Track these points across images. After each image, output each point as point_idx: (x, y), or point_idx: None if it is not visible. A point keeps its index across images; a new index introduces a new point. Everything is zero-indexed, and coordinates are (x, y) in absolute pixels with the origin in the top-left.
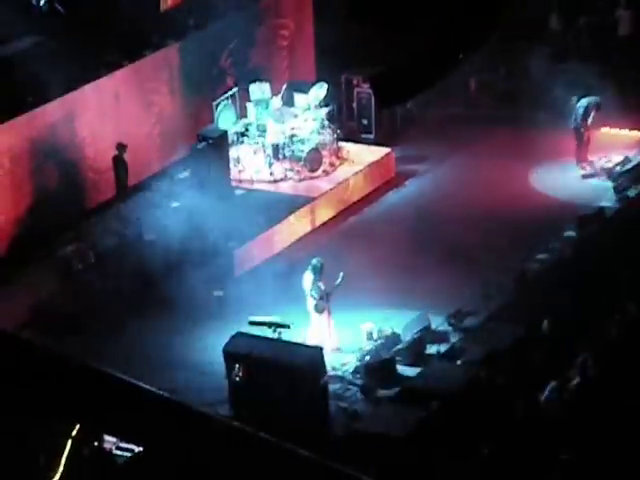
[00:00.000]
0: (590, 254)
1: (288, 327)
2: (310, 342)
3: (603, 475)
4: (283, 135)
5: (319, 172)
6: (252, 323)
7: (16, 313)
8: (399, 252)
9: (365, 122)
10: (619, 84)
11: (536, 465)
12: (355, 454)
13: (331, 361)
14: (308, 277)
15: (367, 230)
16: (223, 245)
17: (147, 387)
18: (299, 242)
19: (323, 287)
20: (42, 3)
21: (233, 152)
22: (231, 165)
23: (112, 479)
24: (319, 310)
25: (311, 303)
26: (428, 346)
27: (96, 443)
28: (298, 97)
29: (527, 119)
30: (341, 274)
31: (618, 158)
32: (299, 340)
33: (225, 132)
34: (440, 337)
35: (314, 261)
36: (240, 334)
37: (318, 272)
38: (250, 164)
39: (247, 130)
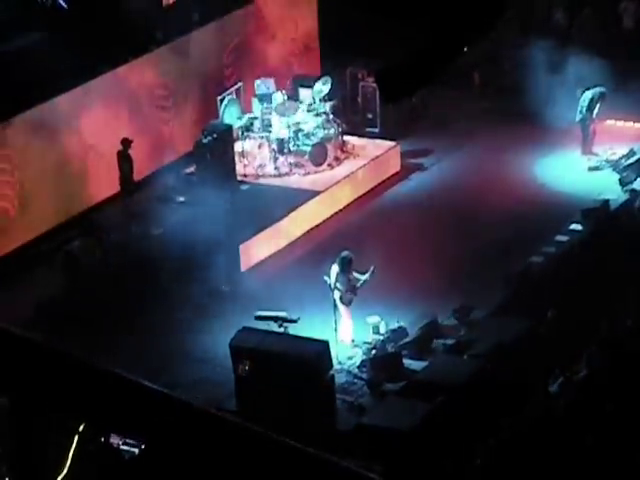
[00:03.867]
0: (595, 247)
1: (295, 321)
2: (340, 334)
3: (610, 467)
4: (288, 129)
5: (324, 166)
6: (258, 317)
7: (22, 309)
8: (404, 246)
9: (370, 116)
10: (624, 76)
11: (542, 458)
12: (361, 448)
13: (337, 355)
14: (334, 269)
15: (372, 224)
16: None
17: (150, 385)
18: (304, 236)
19: (350, 280)
20: None
21: (238, 147)
22: (236, 160)
23: (119, 474)
24: (345, 302)
25: (336, 295)
26: (434, 340)
27: (103, 439)
28: (303, 91)
29: (531, 112)
30: (372, 268)
31: (623, 150)
32: (324, 331)
33: (230, 127)
34: (446, 331)
35: (343, 254)
36: (246, 329)
37: (346, 265)
38: (255, 158)
39: (252, 125)
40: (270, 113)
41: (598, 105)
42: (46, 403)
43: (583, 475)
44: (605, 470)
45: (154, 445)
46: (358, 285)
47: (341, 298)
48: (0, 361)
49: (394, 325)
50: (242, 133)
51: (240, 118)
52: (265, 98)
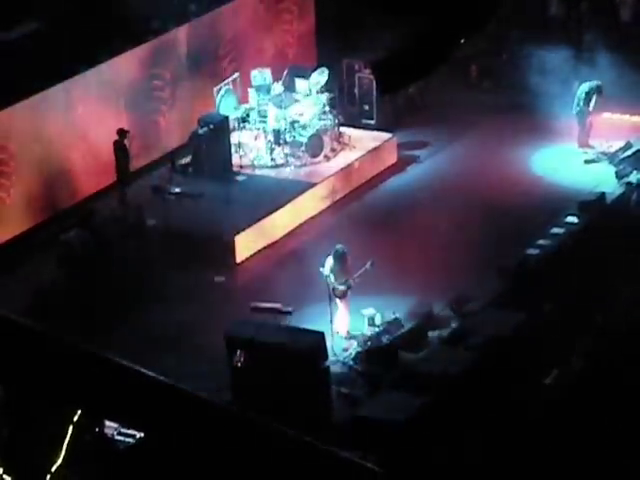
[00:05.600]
0: (591, 239)
1: (290, 313)
2: (335, 327)
3: (608, 458)
4: (284, 120)
5: (320, 157)
6: (254, 309)
7: (18, 299)
8: (400, 237)
9: (366, 107)
10: (621, 69)
11: (538, 451)
12: (356, 439)
13: (333, 346)
14: (329, 262)
15: (368, 216)
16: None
17: (148, 372)
18: (300, 228)
19: (344, 273)
20: None
21: (234, 138)
22: (232, 151)
23: (113, 464)
24: (338, 295)
25: (330, 287)
26: (430, 332)
27: (98, 429)
28: (299, 82)
29: (528, 104)
30: (370, 261)
31: (620, 143)
32: (318, 324)
33: (226, 118)
34: (442, 322)
35: (337, 247)
36: (242, 320)
37: (339, 258)
38: (251, 150)
39: (248, 116)
40: (266, 104)
41: (595, 98)
42: (42, 391)
43: (580, 466)
44: (602, 461)
45: (151, 432)
46: (354, 278)
47: (334, 290)
48: None
49: (389, 316)
50: (238, 124)
51: (236, 109)
52: (262, 89)
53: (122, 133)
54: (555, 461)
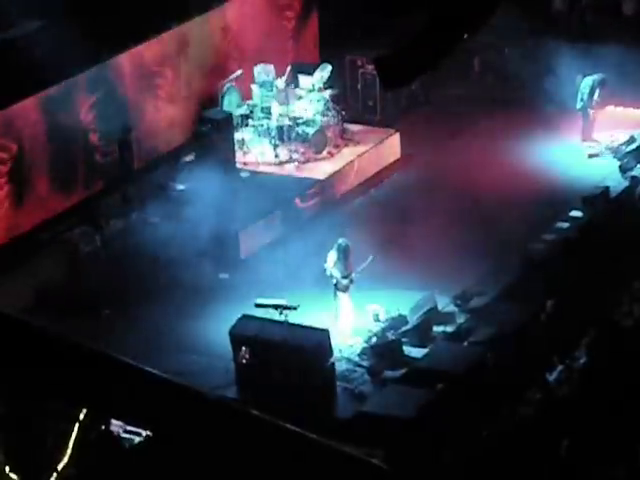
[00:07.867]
0: (596, 234)
1: (295, 309)
2: (340, 323)
3: (607, 457)
4: (288, 117)
5: (324, 154)
6: (258, 305)
7: (22, 297)
8: (404, 233)
9: (370, 103)
10: (625, 63)
11: (542, 447)
12: (361, 436)
13: (338, 343)
14: (332, 256)
15: (372, 211)
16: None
17: (153, 371)
18: (304, 224)
19: (346, 267)
20: None
21: (238, 134)
22: (236, 148)
23: (119, 463)
24: (341, 289)
25: (333, 282)
26: (435, 327)
27: (103, 427)
28: (303, 79)
29: (532, 98)
30: (370, 257)
31: (624, 137)
32: (323, 319)
33: (230, 114)
34: (446, 318)
35: (340, 241)
36: (246, 316)
37: (342, 252)
38: (255, 146)
39: (252, 112)
40: (270, 100)
41: (598, 91)
42: (47, 390)
43: (583, 462)
44: (605, 457)
45: (156, 431)
46: (356, 272)
47: (337, 285)
48: (1, 347)
49: (394, 312)
50: (242, 121)
51: (240, 105)
52: (265, 85)
53: (126, 130)
54: (558, 458)
